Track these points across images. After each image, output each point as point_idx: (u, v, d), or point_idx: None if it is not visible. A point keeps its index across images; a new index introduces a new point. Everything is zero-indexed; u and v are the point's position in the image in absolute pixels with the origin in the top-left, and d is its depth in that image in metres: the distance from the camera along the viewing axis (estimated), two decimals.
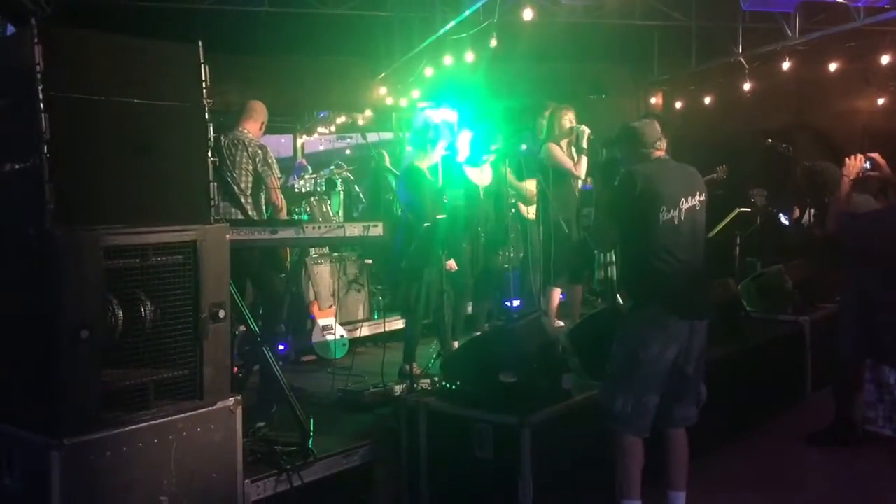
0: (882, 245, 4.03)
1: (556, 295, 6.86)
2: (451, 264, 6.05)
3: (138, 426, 3.43)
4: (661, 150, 4.21)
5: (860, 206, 4.70)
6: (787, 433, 5.95)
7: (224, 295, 3.75)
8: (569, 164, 6.67)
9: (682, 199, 4.07)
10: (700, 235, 4.17)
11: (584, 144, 6.69)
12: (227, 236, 3.82)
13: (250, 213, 5.57)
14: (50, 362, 3.25)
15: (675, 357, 4.05)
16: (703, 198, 4.18)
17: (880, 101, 11.95)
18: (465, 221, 6.40)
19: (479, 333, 6.37)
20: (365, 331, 7.37)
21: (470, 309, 7.11)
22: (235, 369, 5.42)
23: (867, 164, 4.50)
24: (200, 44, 3.78)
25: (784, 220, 6.93)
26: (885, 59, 10.27)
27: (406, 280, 6.02)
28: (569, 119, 6.77)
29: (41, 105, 3.24)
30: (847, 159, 4.51)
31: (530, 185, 7.18)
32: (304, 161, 10.96)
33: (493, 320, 7.14)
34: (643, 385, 4.03)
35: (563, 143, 6.74)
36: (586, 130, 6.69)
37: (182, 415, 3.57)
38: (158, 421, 3.49)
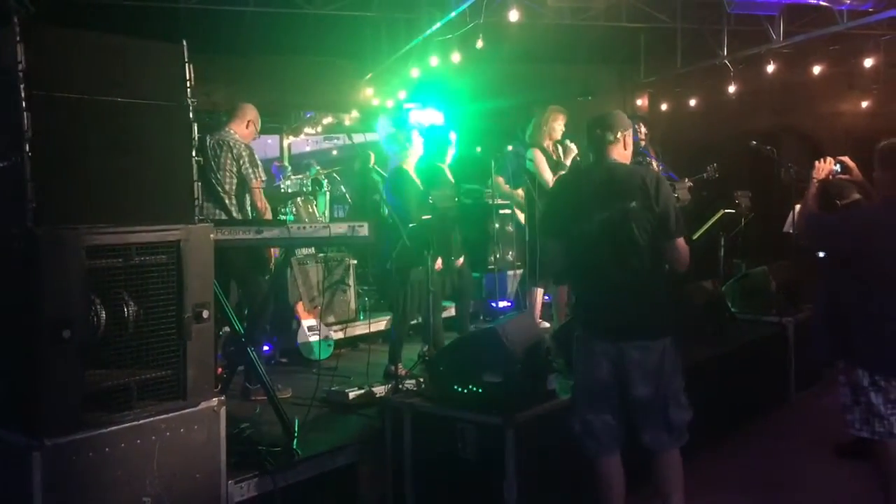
0: (848, 246, 4.04)
1: (540, 295, 6.86)
2: (439, 264, 6.04)
3: (121, 427, 3.40)
4: (612, 142, 3.90)
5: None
6: (771, 434, 5.99)
7: (208, 295, 3.74)
8: (548, 177, 6.48)
9: (598, 210, 3.76)
10: (632, 247, 3.74)
11: (567, 162, 6.61)
12: (212, 236, 3.81)
13: (234, 214, 5.56)
14: (31, 362, 3.22)
15: (613, 377, 3.80)
16: (635, 204, 3.73)
17: (864, 104, 12.04)
18: (454, 224, 6.38)
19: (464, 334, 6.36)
20: (350, 331, 7.36)
21: (453, 310, 7.10)
22: (220, 370, 5.41)
23: (837, 167, 4.46)
24: (185, 43, 3.76)
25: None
26: (868, 62, 10.35)
27: (392, 281, 6.01)
28: (560, 123, 6.69)
29: (23, 104, 3.21)
30: (816, 162, 4.49)
31: (520, 191, 7.17)
32: (280, 163, 10.87)
33: (479, 321, 7.15)
34: (582, 403, 3.92)
35: (549, 144, 6.70)
36: (574, 150, 6.58)
37: (165, 415, 3.55)
38: (141, 421, 3.47)
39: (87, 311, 3.30)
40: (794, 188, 7.27)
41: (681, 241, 3.86)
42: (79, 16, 7.55)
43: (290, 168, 9.02)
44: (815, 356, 5.03)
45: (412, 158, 6.28)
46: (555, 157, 6.67)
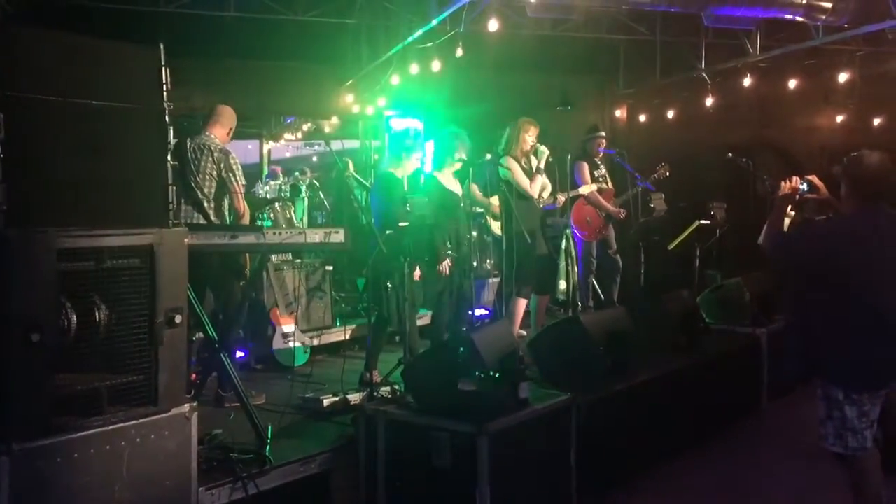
0: (813, 262, 4.06)
1: (521, 305, 6.87)
2: (417, 274, 6.02)
3: (90, 432, 3.38)
4: None
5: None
6: (743, 443, 6.03)
7: (181, 300, 3.71)
8: (525, 183, 6.65)
9: None
10: None
11: (542, 165, 6.68)
12: (186, 240, 3.78)
13: (213, 218, 5.50)
14: None
15: None
16: None
17: (839, 119, 12.18)
18: (431, 232, 6.34)
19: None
20: (326, 338, 7.34)
21: (429, 318, 7.08)
22: (193, 376, 5.37)
23: (804, 186, 4.46)
24: (161, 46, 3.75)
25: None
26: (843, 77, 10.48)
27: (370, 287, 6.00)
28: (532, 135, 6.77)
29: None
30: (782, 181, 4.50)
31: (495, 200, 7.20)
32: (275, 168, 10.89)
33: (454, 329, 7.13)
34: None
35: (520, 154, 6.76)
36: (545, 151, 6.67)
37: (136, 421, 3.53)
38: (111, 427, 3.44)
39: (57, 315, 3.27)
40: (769, 200, 7.35)
41: None
42: (57, 18, 7.50)
43: (282, 176, 9.02)
44: (789, 375, 5.04)
45: (404, 169, 6.28)
46: (525, 166, 6.75)
